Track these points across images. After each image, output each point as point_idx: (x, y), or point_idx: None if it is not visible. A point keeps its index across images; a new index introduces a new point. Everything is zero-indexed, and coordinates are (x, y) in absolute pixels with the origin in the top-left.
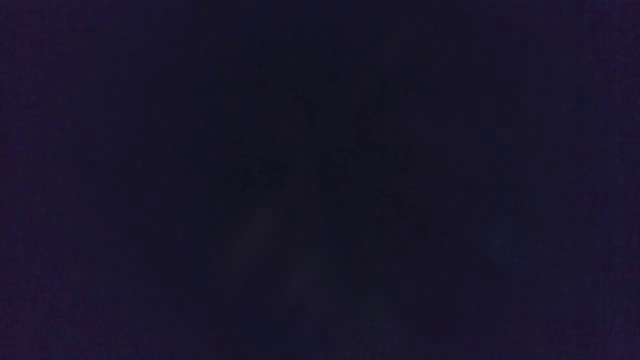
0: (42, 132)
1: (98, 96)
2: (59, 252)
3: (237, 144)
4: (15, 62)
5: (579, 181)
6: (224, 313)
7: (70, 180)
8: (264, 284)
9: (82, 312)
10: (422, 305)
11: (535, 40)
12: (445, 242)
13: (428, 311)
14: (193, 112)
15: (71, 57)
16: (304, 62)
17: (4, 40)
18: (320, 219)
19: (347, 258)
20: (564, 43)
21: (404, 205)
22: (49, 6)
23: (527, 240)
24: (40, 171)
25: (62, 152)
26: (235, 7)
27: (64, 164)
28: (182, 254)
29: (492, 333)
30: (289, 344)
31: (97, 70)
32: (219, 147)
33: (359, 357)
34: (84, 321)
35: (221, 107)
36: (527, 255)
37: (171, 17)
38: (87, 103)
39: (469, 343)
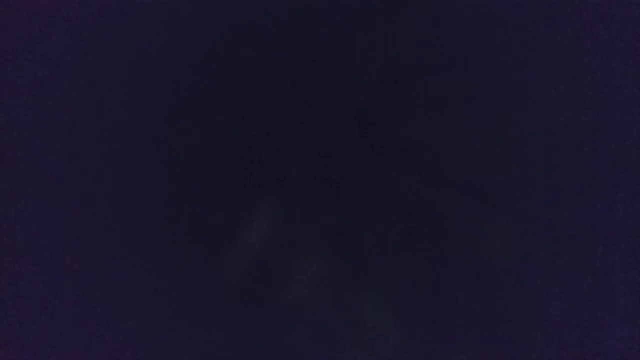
0: (42, 131)
1: (98, 96)
2: (59, 251)
3: (237, 143)
4: (15, 62)
5: (579, 181)
6: (223, 313)
7: (70, 180)
8: (264, 283)
9: (82, 312)
10: (421, 305)
11: (535, 41)
12: (445, 241)
13: (428, 311)
14: (193, 112)
15: (71, 57)
16: (304, 62)
17: (4, 40)
18: (319, 218)
19: (346, 258)
20: (564, 43)
21: (403, 205)
22: (49, 6)
23: (527, 240)
24: (40, 171)
25: (62, 152)
26: (237, 7)
27: (63, 164)
28: (181, 254)
29: (492, 333)
30: (288, 344)
31: (98, 70)
32: (219, 147)
33: (359, 357)
34: (83, 321)
35: (221, 107)
36: (527, 255)
37: (171, 16)
38: (88, 103)
39: (468, 343)
